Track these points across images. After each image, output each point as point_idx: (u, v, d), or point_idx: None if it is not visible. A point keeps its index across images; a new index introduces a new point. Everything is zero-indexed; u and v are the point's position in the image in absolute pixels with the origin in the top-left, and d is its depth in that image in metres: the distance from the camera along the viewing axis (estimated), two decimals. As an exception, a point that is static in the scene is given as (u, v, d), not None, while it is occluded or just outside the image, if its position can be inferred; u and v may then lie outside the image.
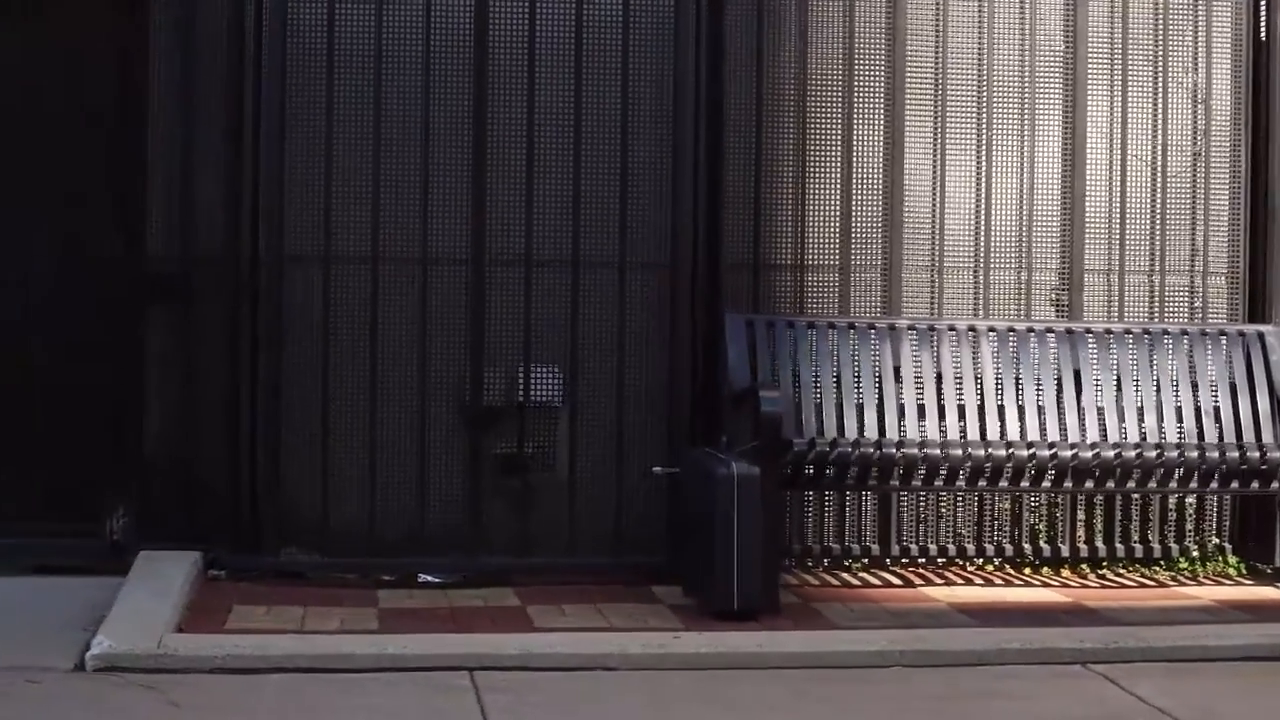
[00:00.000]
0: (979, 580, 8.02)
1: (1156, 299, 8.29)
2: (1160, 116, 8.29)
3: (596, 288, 7.87)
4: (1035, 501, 8.18)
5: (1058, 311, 8.24)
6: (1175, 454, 7.51)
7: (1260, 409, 7.98)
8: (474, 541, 7.81)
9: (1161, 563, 8.27)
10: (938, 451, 7.39)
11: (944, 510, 8.16)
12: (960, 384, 7.83)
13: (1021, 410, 7.84)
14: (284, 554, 7.76)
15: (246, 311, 7.72)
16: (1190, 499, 8.22)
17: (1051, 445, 7.50)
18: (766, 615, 7.04)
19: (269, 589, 7.46)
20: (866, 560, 8.11)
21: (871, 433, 7.66)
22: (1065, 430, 7.79)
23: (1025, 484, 7.53)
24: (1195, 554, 8.30)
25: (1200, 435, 7.86)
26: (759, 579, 7.05)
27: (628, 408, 7.86)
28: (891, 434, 7.66)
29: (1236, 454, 7.52)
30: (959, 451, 7.40)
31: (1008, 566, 8.21)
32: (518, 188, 7.83)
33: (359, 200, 7.78)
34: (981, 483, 7.49)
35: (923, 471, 7.39)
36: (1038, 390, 7.88)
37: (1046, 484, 7.53)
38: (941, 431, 7.74)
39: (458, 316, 7.82)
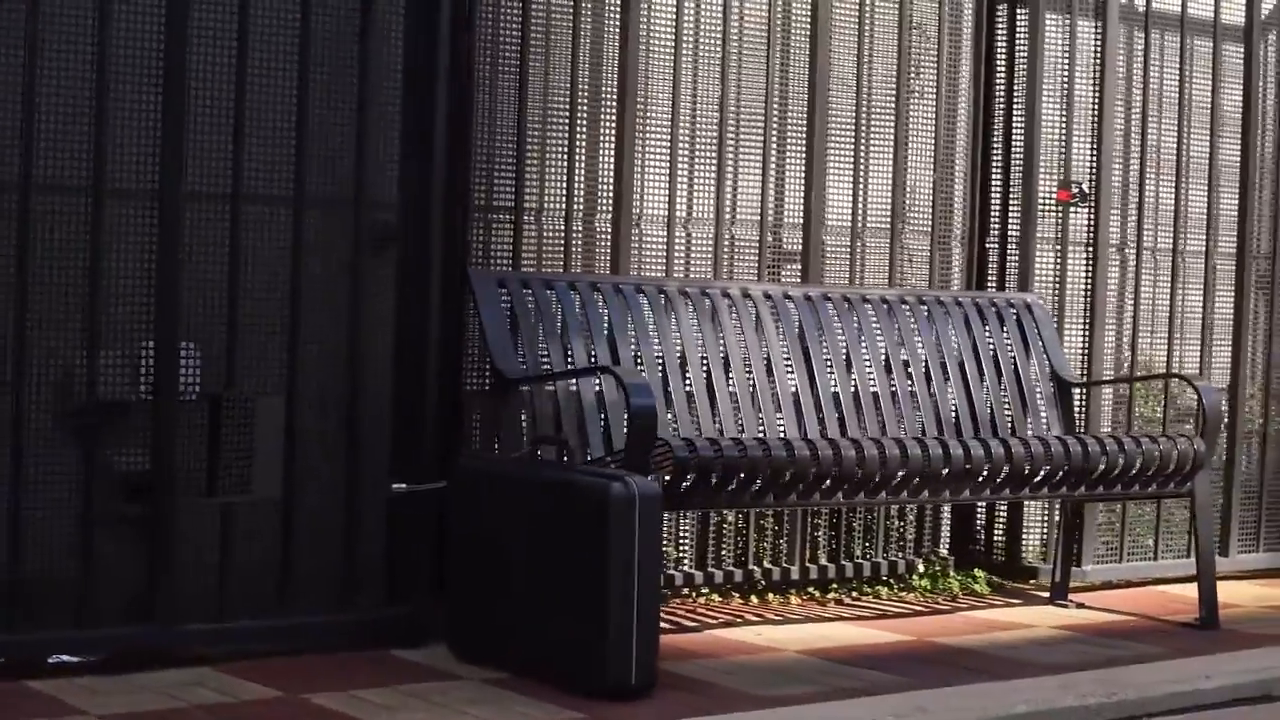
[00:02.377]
0: (752, 616, 6.37)
1: (885, 263, 6.96)
2: (897, 68, 6.97)
3: (321, 232, 5.46)
4: (764, 515, 6.63)
5: (771, 274, 6.70)
6: (960, 452, 6.13)
7: (1041, 392, 6.83)
8: (140, 602, 5.17)
9: (890, 581, 6.95)
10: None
11: (670, 531, 6.42)
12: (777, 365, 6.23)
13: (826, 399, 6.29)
14: None
15: None
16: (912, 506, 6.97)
17: (834, 445, 5.89)
18: (652, 688, 5.09)
19: None
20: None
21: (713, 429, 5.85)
22: (845, 426, 6.31)
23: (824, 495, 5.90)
24: (920, 568, 7.04)
25: (976, 429, 6.60)
26: (654, 642, 5.09)
27: (362, 400, 5.51)
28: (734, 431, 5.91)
29: (1023, 449, 6.24)
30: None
31: (736, 595, 6.61)
32: (224, 106, 5.28)
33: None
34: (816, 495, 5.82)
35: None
36: (831, 375, 6.36)
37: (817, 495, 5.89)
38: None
39: (133, 273, 5.16)
